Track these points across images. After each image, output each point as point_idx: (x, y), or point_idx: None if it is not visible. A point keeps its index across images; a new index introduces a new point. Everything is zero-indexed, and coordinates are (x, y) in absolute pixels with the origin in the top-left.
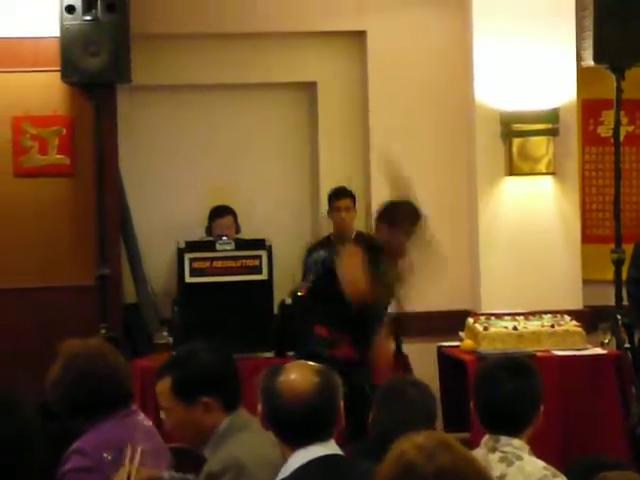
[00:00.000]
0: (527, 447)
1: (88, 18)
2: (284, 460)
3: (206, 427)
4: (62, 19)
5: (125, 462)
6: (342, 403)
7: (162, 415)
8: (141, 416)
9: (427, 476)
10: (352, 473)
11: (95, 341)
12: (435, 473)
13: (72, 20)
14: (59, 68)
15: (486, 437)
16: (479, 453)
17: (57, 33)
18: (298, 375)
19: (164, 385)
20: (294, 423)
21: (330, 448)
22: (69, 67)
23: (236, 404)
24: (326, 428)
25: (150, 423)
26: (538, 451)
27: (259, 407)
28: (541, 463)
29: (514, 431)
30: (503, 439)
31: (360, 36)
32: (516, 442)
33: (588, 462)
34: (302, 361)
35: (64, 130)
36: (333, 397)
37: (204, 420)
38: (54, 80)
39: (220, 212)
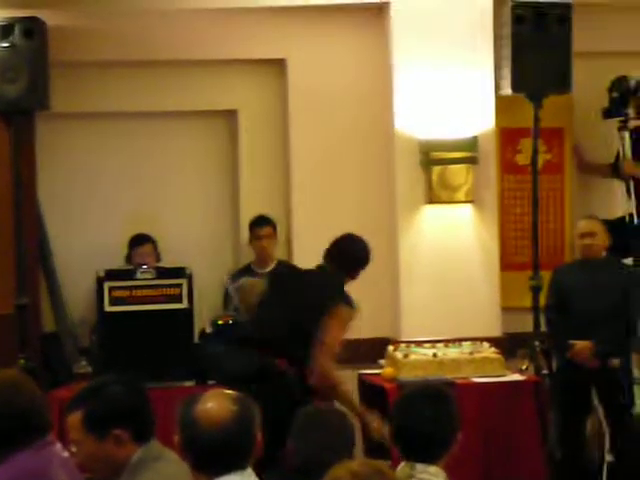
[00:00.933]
0: (444, 474)
1: (5, 45)
2: None
3: (117, 460)
4: None
5: None
6: (259, 432)
7: (72, 449)
8: (58, 446)
9: None
10: None
11: (8, 372)
12: None
13: None
14: None
15: (402, 464)
16: None
17: None
18: (215, 403)
19: (74, 418)
20: (211, 452)
21: (248, 477)
22: None
23: (148, 435)
24: (244, 457)
25: (67, 454)
26: (458, 477)
27: (176, 437)
28: None
29: (430, 458)
30: (419, 466)
31: (280, 64)
32: (432, 469)
33: None
34: (220, 389)
35: None
36: (251, 425)
37: (115, 453)
38: None
39: (140, 240)
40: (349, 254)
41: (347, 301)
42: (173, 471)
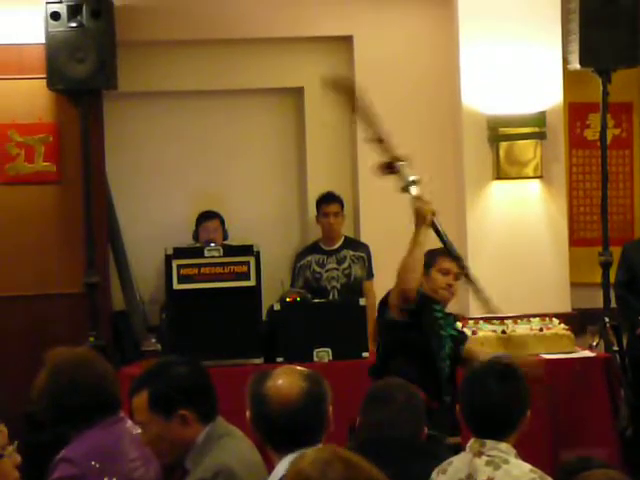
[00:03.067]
0: (514, 451)
1: (73, 25)
2: (271, 466)
3: (184, 440)
4: (47, 26)
5: None
6: (330, 408)
7: (139, 430)
8: (129, 423)
9: None
10: None
11: (81, 349)
12: None
13: (57, 27)
14: (45, 75)
15: (472, 441)
16: (465, 457)
17: (42, 40)
18: (286, 380)
19: (140, 400)
20: (282, 429)
21: None
22: (55, 74)
23: (213, 415)
24: (314, 433)
25: (138, 430)
26: (527, 454)
27: (247, 413)
28: (528, 466)
29: (501, 435)
30: (489, 443)
31: (347, 41)
32: (503, 446)
33: (576, 463)
34: (291, 366)
35: (50, 137)
36: (321, 402)
37: (182, 433)
38: (40, 87)
39: (207, 216)
40: None
41: None
42: (241, 448)
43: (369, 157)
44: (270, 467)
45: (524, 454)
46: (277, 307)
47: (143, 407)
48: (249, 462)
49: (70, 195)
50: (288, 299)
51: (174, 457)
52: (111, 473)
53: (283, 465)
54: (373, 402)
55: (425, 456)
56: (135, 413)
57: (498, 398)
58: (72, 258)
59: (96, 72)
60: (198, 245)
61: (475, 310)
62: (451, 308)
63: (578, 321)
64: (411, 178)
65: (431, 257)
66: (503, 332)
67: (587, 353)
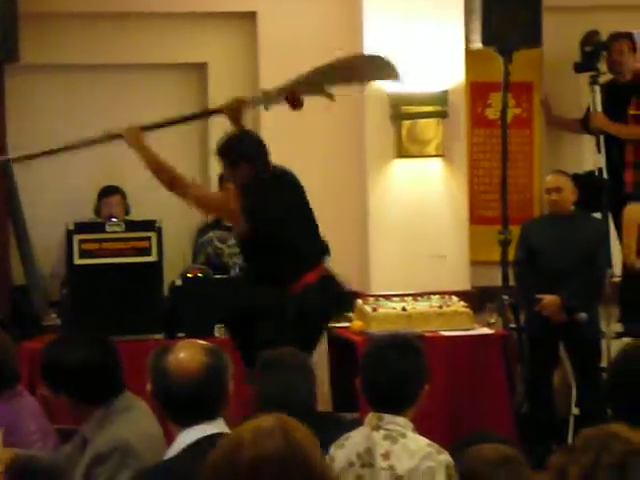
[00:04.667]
0: (411, 425)
1: None
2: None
3: (75, 415)
4: None
5: None
6: (231, 383)
7: (37, 404)
8: (27, 397)
9: (245, 459)
10: None
11: None
12: (252, 459)
13: None
14: None
15: (370, 415)
16: (363, 431)
17: None
18: (187, 354)
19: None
20: (182, 402)
21: (219, 427)
22: None
23: (103, 399)
24: (214, 407)
25: (36, 404)
26: (425, 429)
27: (148, 386)
28: (425, 440)
29: (398, 409)
30: (387, 417)
31: (250, 17)
32: (400, 420)
33: (474, 438)
34: (192, 340)
35: None
36: (222, 376)
37: (70, 409)
38: None
39: (108, 191)
40: None
41: None
42: (143, 422)
43: (272, 134)
44: (170, 440)
45: (422, 430)
46: (178, 283)
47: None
48: (149, 437)
49: None
50: (189, 275)
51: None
52: (8, 445)
53: (182, 438)
54: (268, 369)
55: (322, 423)
56: None
57: (396, 372)
58: None
59: None
60: (100, 220)
61: (376, 287)
62: (353, 285)
63: (477, 299)
64: None
65: None
66: (403, 309)
67: (485, 330)
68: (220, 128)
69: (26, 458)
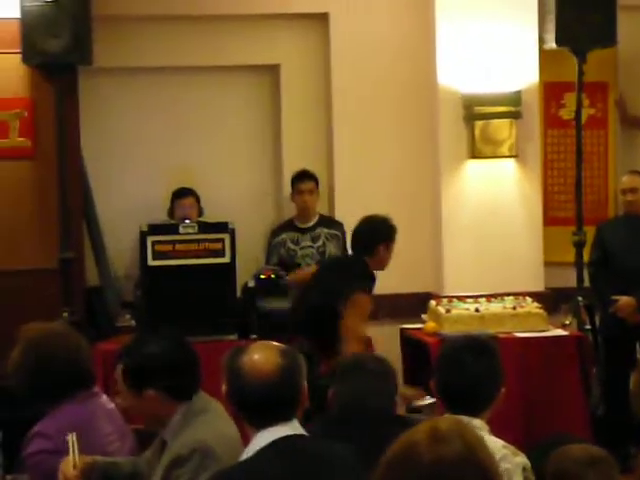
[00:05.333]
0: (487, 427)
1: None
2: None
3: (157, 415)
4: (22, 0)
5: (69, 451)
6: (305, 383)
7: (113, 405)
8: (103, 398)
9: (424, 461)
10: (315, 452)
11: (55, 324)
12: (432, 460)
13: (32, 1)
14: (20, 50)
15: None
16: None
17: (17, 14)
18: (262, 355)
19: (118, 371)
20: (257, 404)
21: (294, 428)
22: (30, 49)
23: (189, 392)
24: (289, 409)
25: (112, 405)
26: (500, 431)
27: (223, 387)
28: (501, 442)
29: (474, 410)
30: (463, 419)
31: (323, 18)
32: (476, 422)
33: (553, 440)
34: (267, 341)
35: (25, 113)
36: (296, 378)
37: (154, 409)
38: (15, 62)
39: (182, 193)
40: (361, 234)
41: (365, 287)
42: (219, 424)
43: (345, 135)
44: (246, 441)
45: (496, 432)
46: (251, 284)
47: (119, 378)
48: (226, 438)
49: (45, 170)
50: (263, 276)
51: (153, 426)
52: (86, 447)
53: (258, 439)
54: (347, 374)
55: (400, 425)
56: (117, 382)
57: (473, 374)
58: (46, 233)
59: (71, 47)
60: (173, 222)
61: (449, 288)
62: (426, 286)
63: (551, 300)
64: None
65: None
66: (477, 310)
67: (560, 332)
68: (293, 142)
69: (106, 464)
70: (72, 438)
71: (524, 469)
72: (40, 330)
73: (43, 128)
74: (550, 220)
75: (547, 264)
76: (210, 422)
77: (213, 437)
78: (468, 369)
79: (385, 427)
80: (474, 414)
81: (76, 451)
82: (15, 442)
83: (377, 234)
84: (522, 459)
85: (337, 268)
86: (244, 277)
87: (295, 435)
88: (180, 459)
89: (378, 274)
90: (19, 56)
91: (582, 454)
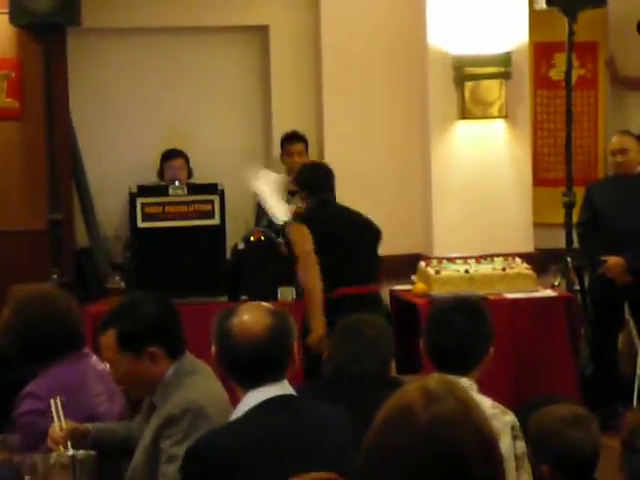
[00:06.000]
0: (475, 386)
1: None
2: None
3: (152, 376)
4: None
5: (54, 416)
6: (295, 344)
7: (104, 365)
8: (93, 359)
9: (421, 421)
10: (305, 412)
11: (45, 285)
12: (429, 420)
13: None
14: (7, 10)
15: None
16: None
17: None
18: (251, 316)
19: (108, 337)
20: (247, 364)
21: (283, 388)
22: (17, 9)
23: (181, 351)
24: (279, 369)
25: (102, 366)
26: (489, 391)
27: (213, 348)
28: (489, 401)
29: (463, 370)
30: (451, 378)
31: None
32: (464, 381)
33: (541, 400)
34: (256, 302)
35: (13, 73)
36: (286, 338)
37: (150, 370)
38: (2, 22)
39: (171, 155)
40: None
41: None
42: (208, 384)
43: (335, 96)
44: (235, 402)
45: (486, 391)
46: (241, 246)
47: (111, 345)
48: (216, 399)
49: (33, 132)
50: (252, 238)
51: (142, 392)
52: (76, 408)
53: (247, 399)
54: (342, 336)
55: (391, 387)
56: (103, 351)
57: (462, 334)
58: (35, 195)
59: (59, 7)
60: (162, 183)
61: (439, 249)
62: (416, 248)
63: (541, 261)
64: None
65: None
66: (466, 271)
67: (549, 292)
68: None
69: (99, 430)
70: (56, 402)
71: (512, 428)
72: (30, 291)
73: (31, 89)
74: (540, 181)
75: (536, 225)
76: (200, 383)
77: (204, 397)
78: (457, 329)
79: (380, 389)
80: (463, 373)
81: (61, 415)
82: (6, 403)
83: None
84: (511, 418)
85: None
86: (234, 239)
87: (285, 395)
88: (172, 419)
89: None
90: (6, 16)
91: (563, 413)
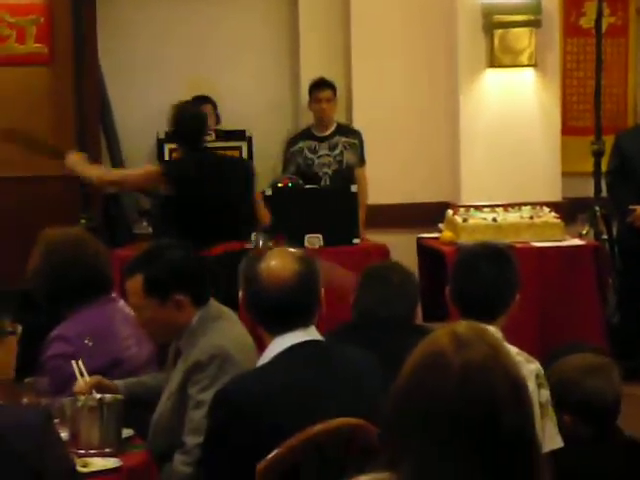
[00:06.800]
0: (501, 334)
1: None
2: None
3: (178, 323)
4: None
5: (77, 375)
6: (323, 290)
7: (131, 310)
8: (121, 303)
9: (454, 366)
10: (332, 357)
11: (74, 229)
12: (462, 365)
13: None
14: None
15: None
16: None
17: None
18: (279, 262)
19: (135, 283)
20: (274, 309)
21: (311, 334)
22: None
23: (206, 298)
24: (307, 315)
25: (130, 310)
26: (515, 340)
27: (240, 294)
28: (515, 349)
29: (489, 318)
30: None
31: None
32: (490, 329)
33: (568, 349)
34: (284, 248)
35: (42, 19)
36: (313, 283)
37: (176, 317)
38: None
39: (199, 101)
40: None
41: None
42: (234, 330)
43: (363, 43)
44: (262, 348)
45: (512, 340)
46: (269, 192)
47: (138, 291)
48: (243, 344)
49: (61, 77)
50: (280, 184)
51: (167, 338)
52: (104, 351)
53: (274, 345)
54: (368, 282)
55: (418, 333)
56: (129, 296)
57: (488, 280)
58: (64, 140)
59: None
60: None
61: (466, 197)
62: (443, 196)
63: (569, 210)
64: None
65: None
66: (494, 220)
67: (577, 241)
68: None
69: (129, 384)
70: (78, 364)
71: (537, 376)
72: (59, 235)
73: (60, 34)
74: (568, 130)
75: (565, 174)
76: (225, 328)
77: (230, 342)
78: (483, 275)
79: (404, 335)
80: (489, 321)
81: (84, 372)
82: (35, 347)
83: None
84: (535, 366)
85: None
86: (261, 185)
87: (313, 340)
88: (199, 364)
89: (397, 183)
90: None
91: (582, 362)
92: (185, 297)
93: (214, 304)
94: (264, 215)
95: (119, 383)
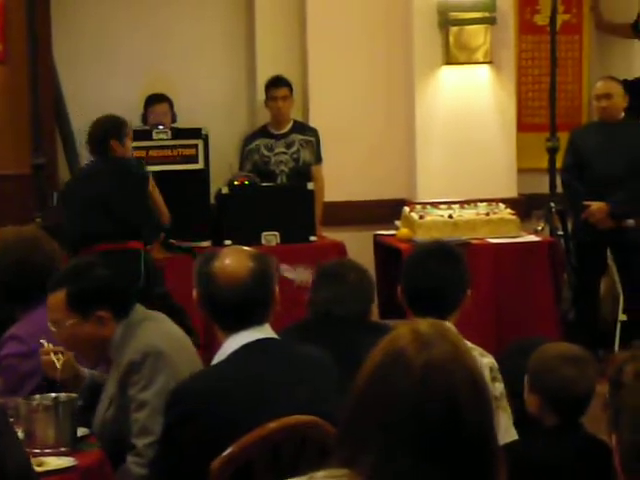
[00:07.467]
0: (454, 329)
1: None
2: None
3: (99, 338)
4: None
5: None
6: (277, 288)
7: (52, 328)
8: None
9: (415, 365)
10: (287, 354)
11: (29, 228)
12: (423, 364)
13: None
14: None
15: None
16: None
17: None
18: (233, 260)
19: (57, 298)
20: (228, 308)
21: (266, 332)
22: None
23: (128, 312)
24: (261, 312)
25: None
26: (471, 335)
27: (194, 292)
28: (468, 343)
29: (440, 313)
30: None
31: None
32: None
33: (523, 343)
34: (238, 246)
35: None
36: (268, 281)
37: (97, 332)
38: None
39: (156, 99)
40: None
41: None
42: (164, 329)
43: (319, 41)
44: (217, 346)
45: (468, 336)
46: (225, 190)
47: (60, 305)
48: (175, 340)
49: (16, 75)
50: (236, 182)
51: (91, 354)
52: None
53: (229, 343)
54: (323, 279)
55: (374, 331)
56: (49, 311)
57: (437, 277)
58: (18, 139)
59: None
60: (146, 128)
61: (423, 194)
62: (400, 193)
63: (524, 206)
64: None
65: None
66: (450, 216)
67: (532, 237)
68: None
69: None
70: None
71: (491, 369)
72: (16, 233)
73: (14, 32)
74: (524, 126)
75: (520, 170)
76: (154, 327)
77: (161, 339)
78: (432, 272)
79: (360, 333)
80: (441, 317)
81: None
82: None
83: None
84: (489, 359)
85: None
86: (218, 183)
87: (267, 338)
88: (134, 364)
89: (354, 180)
90: None
91: (562, 350)
92: (107, 313)
93: (137, 309)
94: (163, 214)
95: (87, 370)
